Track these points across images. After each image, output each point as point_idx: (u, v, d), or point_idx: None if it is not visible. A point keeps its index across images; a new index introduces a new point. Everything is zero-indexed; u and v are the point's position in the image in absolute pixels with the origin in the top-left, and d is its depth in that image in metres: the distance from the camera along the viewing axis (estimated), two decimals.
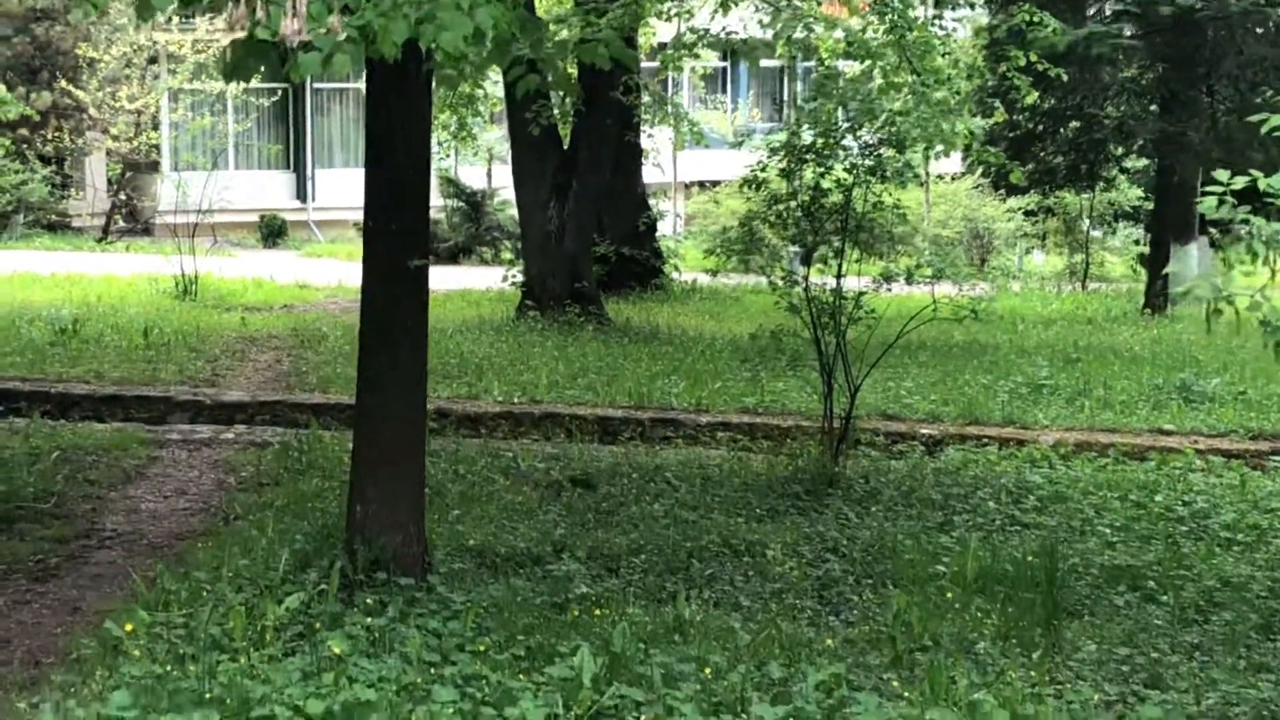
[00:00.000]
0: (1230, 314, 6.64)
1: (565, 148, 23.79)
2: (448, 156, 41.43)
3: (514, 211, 44.46)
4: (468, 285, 32.29)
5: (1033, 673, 8.51)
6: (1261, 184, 6.50)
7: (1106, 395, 17.65)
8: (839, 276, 13.34)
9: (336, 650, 8.06)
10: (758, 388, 17.38)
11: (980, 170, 39.68)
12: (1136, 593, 10.53)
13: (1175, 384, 17.93)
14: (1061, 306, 31.61)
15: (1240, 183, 6.55)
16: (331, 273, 32.03)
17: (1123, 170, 37.07)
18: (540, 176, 23.38)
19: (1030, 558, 10.60)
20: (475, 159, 42.26)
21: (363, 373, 9.93)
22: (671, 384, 17.41)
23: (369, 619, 8.72)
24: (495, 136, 41.36)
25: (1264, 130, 6.77)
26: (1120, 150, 32.94)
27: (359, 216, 35.03)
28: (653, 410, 16.41)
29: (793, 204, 13.44)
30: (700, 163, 46.75)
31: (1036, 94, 25.54)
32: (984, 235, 41.18)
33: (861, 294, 13.30)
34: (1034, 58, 22.35)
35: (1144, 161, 35.11)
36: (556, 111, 22.83)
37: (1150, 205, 37.59)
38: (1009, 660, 8.87)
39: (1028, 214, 41.14)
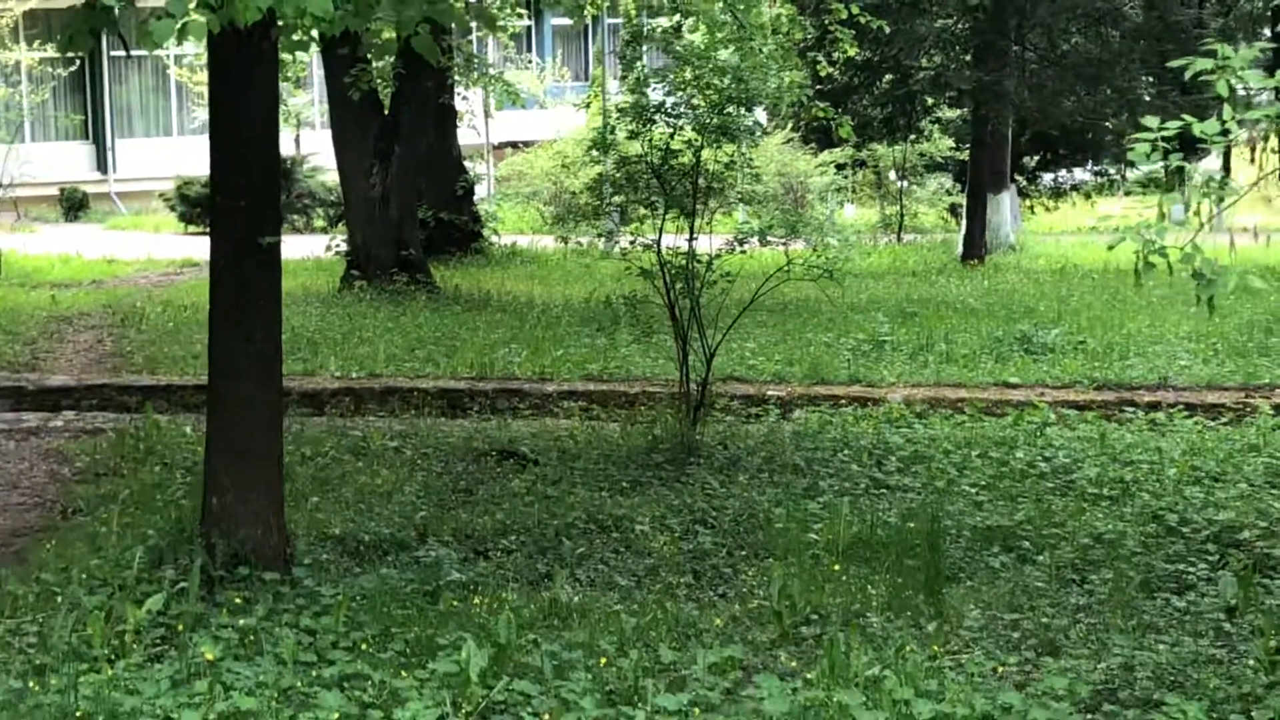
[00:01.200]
0: (1162, 265, 6.39)
1: (386, 112, 23.23)
2: None
3: (325, 178, 43.80)
4: (283, 255, 31.53)
5: (935, 646, 8.25)
6: (1195, 129, 6.27)
7: (948, 349, 17.57)
8: (691, 239, 13.04)
9: (209, 656, 7.59)
10: (600, 354, 17.05)
11: (791, 124, 39.68)
12: (1011, 554, 10.35)
13: (1015, 335, 17.92)
14: (880, 259, 31.66)
15: (1173, 129, 6.31)
16: (139, 246, 31.16)
17: (934, 121, 37.33)
18: (362, 142, 22.84)
19: (910, 524, 10.37)
20: (284, 124, 41.40)
21: (214, 357, 9.43)
22: (512, 353, 17.03)
23: (240, 620, 8.26)
24: (302, 101, 40.64)
25: (1188, 75, 6.52)
26: (934, 101, 33.10)
27: (163, 186, 34.26)
28: (496, 381, 16.04)
29: (641, 166, 13.09)
30: (510, 123, 46.20)
31: (856, 47, 25.51)
32: (797, 190, 41.15)
33: (716, 256, 13.02)
34: (855, 10, 22.23)
35: (955, 112, 35.34)
36: (376, 75, 22.25)
37: (961, 155, 37.88)
38: (902, 633, 8.63)
39: (838, 167, 41.23)
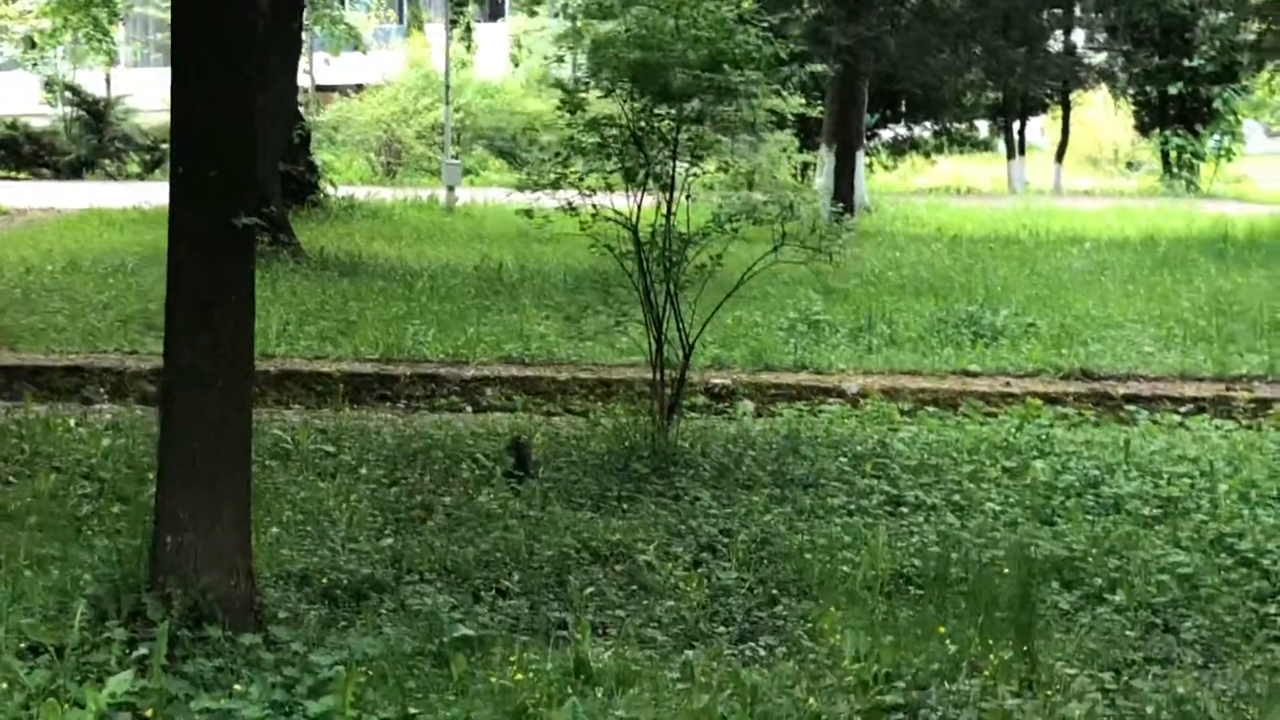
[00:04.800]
0: None
1: None
2: (70, 61, 38.09)
3: (141, 120, 41.38)
4: (99, 204, 29.60)
5: None
6: None
7: (891, 332, 16.16)
8: (669, 214, 11.45)
9: None
10: (514, 333, 15.40)
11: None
12: (1074, 591, 8.91)
13: (961, 317, 16.53)
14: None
15: None
16: None
17: (789, 77, 36.11)
18: None
19: (999, 567, 8.86)
20: (95, 63, 38.93)
21: (173, 364, 7.65)
22: (419, 331, 15.27)
23: (232, 705, 6.52)
24: (118, 38, 38.32)
25: None
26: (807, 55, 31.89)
27: None
28: (406, 363, 14.29)
29: (616, 130, 11.44)
30: (333, 67, 44.17)
31: None
32: (578, 140, 39.57)
33: (703, 235, 11.47)
34: None
35: (820, 67, 34.12)
36: None
37: (813, 112, 36.78)
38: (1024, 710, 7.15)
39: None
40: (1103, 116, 56.76)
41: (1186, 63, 46.35)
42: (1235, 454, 11.49)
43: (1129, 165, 55.95)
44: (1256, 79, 44.49)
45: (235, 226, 7.42)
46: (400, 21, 53.74)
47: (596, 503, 10.19)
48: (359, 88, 43.44)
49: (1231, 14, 36.35)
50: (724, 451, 11.41)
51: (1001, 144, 56.36)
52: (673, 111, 11.37)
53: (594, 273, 19.54)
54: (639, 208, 11.40)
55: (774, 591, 8.86)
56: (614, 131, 11.38)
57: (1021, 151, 49.40)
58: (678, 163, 11.48)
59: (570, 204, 11.48)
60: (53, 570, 8.21)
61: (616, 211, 11.49)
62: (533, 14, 36.51)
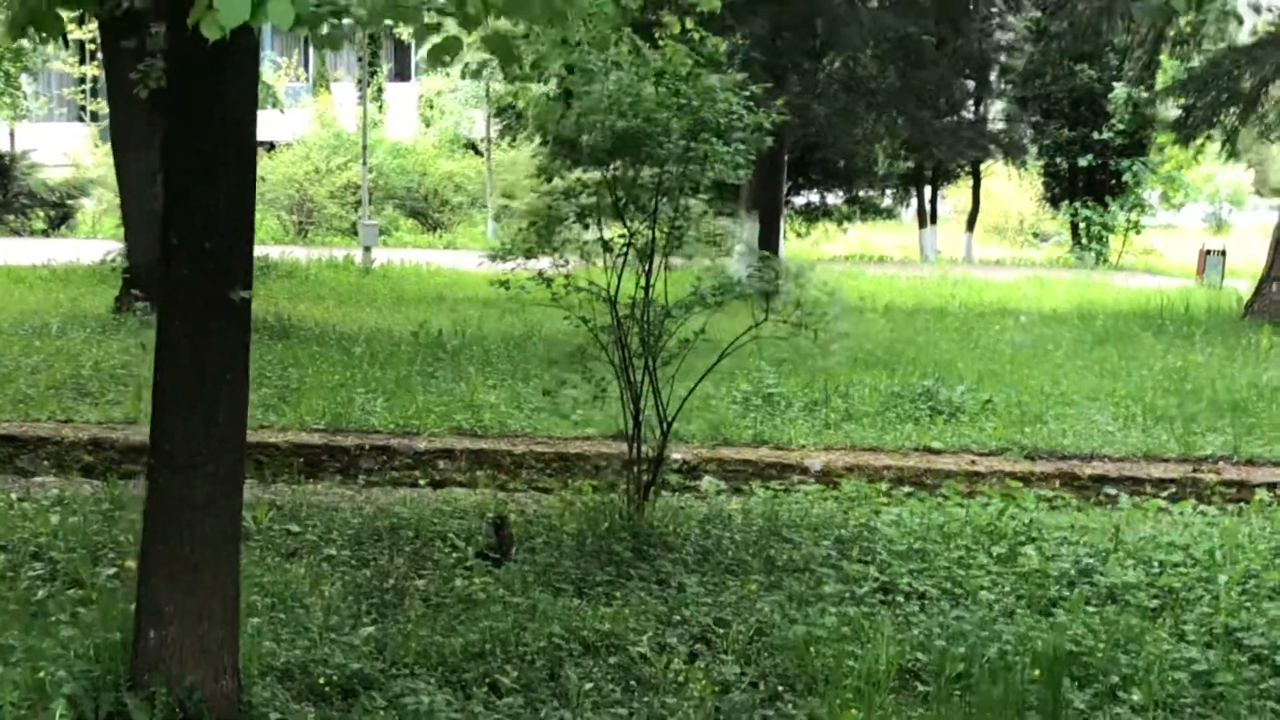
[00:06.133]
0: None
1: None
2: None
3: (46, 175, 40.67)
4: (6, 261, 28.88)
5: None
6: None
7: (847, 406, 15.77)
8: (647, 288, 11.02)
9: None
10: (463, 403, 14.89)
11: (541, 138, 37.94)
12: (1088, 690, 8.51)
13: (918, 392, 16.14)
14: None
15: None
16: None
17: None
18: (149, 144, 20.13)
19: (1010, 663, 8.44)
20: (1, 118, 38.05)
21: (160, 443, 7.09)
22: (367, 400, 14.72)
23: None
24: (27, 91, 37.56)
25: None
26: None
27: None
28: (355, 434, 13.71)
29: (592, 200, 11.02)
30: None
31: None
32: (555, 208, 39.22)
33: (685, 307, 11.05)
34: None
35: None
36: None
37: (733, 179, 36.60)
38: None
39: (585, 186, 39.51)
40: (1007, 187, 57.06)
41: (1096, 135, 46.62)
42: (1229, 543, 11.14)
43: (1035, 235, 56.23)
44: (1166, 152, 44.82)
45: (229, 299, 6.90)
46: (308, 80, 53.09)
47: (579, 588, 9.69)
48: (270, 146, 42.78)
49: (1151, 90, 36.54)
50: (702, 533, 10.95)
51: (904, 212, 56.47)
52: (653, 180, 10.94)
53: (536, 339, 19.15)
54: (619, 279, 10.97)
55: (778, 687, 8.41)
56: (591, 200, 10.96)
57: (933, 220, 49.45)
58: (656, 232, 11.06)
59: (543, 274, 11.02)
60: (16, 662, 7.62)
61: (591, 282, 11.06)
62: (472, 76, 35.97)
